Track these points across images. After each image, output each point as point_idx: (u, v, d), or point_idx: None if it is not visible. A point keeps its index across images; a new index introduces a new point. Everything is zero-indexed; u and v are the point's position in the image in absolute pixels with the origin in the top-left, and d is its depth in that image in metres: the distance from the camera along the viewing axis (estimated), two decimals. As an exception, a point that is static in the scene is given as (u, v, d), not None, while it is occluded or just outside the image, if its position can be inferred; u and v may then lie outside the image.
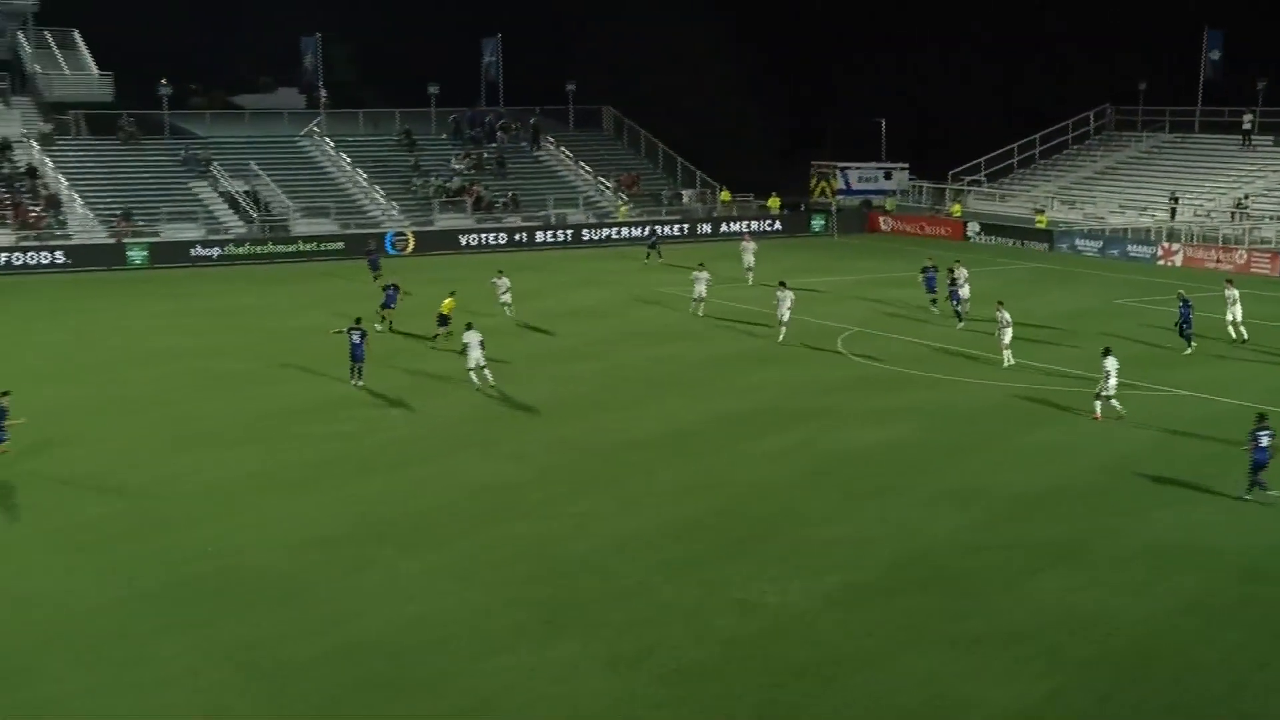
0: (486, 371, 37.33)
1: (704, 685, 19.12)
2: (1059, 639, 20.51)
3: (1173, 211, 71.45)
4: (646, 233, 70.79)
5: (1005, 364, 39.32)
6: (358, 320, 38.14)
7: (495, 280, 48.88)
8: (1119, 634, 20.67)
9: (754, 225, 76.92)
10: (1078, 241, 70.36)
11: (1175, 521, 25.89)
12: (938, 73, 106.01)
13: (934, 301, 48.71)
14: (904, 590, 22.44)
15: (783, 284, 44.92)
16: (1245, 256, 62.66)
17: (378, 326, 44.04)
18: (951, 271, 48.05)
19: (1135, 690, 18.93)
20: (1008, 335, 39.65)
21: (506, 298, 48.38)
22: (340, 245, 68.46)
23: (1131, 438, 31.92)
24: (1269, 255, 62.08)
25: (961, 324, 45.83)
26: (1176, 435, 32.21)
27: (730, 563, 23.75)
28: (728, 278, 55.17)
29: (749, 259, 57.36)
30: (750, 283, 55.58)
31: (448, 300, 43.56)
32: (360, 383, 37.31)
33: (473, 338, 37.28)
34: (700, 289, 48.97)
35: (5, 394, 29.64)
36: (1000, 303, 40.25)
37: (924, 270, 49.86)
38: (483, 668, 19.62)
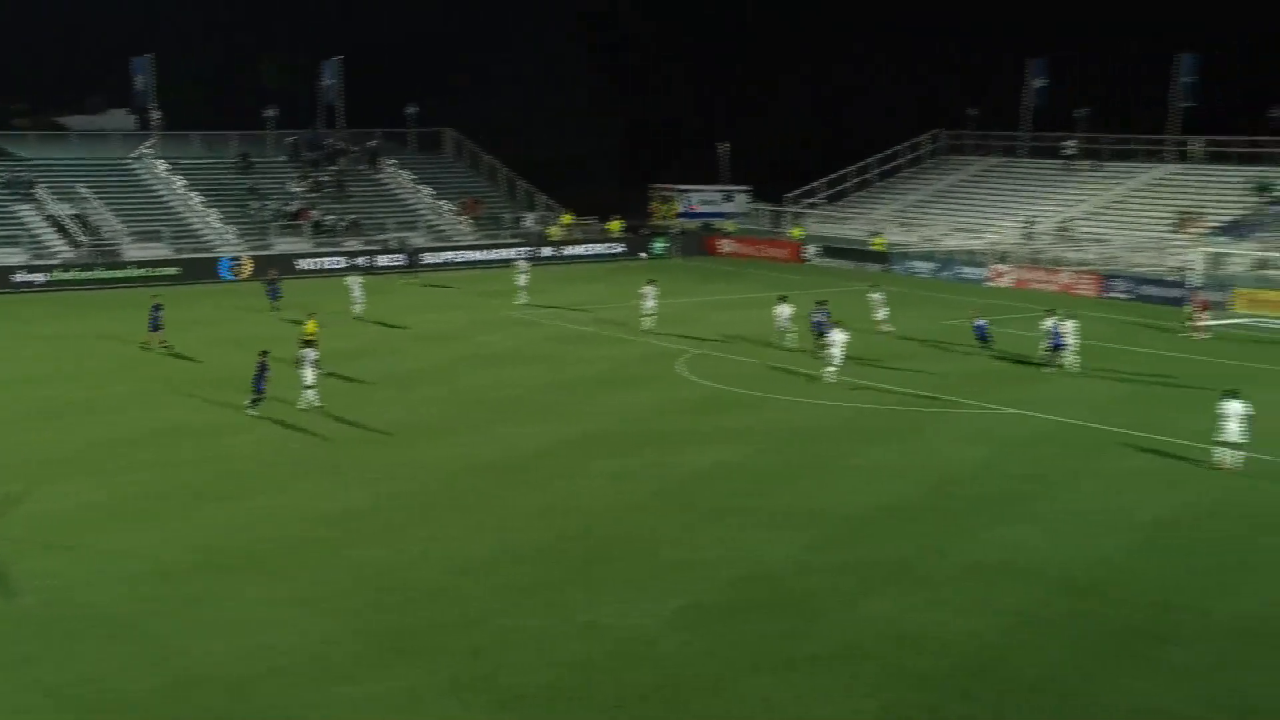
0: (311, 394, 36.85)
1: (548, 710, 19.31)
2: (892, 656, 21.13)
3: (1027, 232, 73.23)
4: (267, 277, 58.77)
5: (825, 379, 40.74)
6: (264, 352, 36.98)
7: (351, 280, 54.71)
8: (950, 650, 21.37)
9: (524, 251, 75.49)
10: (913, 263, 72.22)
11: (1001, 540, 26.82)
12: (776, 99, 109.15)
13: (1047, 359, 43.35)
14: (744, 612, 22.89)
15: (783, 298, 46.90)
16: (1069, 278, 65.07)
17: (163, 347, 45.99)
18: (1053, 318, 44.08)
19: (965, 705, 19.61)
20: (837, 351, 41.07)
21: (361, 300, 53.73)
22: (175, 270, 67.21)
23: (961, 457, 32.98)
24: (1093, 277, 64.55)
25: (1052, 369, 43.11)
26: (1002, 452, 33.36)
27: (576, 587, 24.01)
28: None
29: (522, 279, 59.43)
30: (520, 301, 58.19)
31: (309, 323, 42.98)
32: (253, 411, 36.53)
33: (308, 355, 36.89)
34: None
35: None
36: (782, 297, 41.66)
37: (973, 321, 45.79)
38: (324, 697, 19.55)
